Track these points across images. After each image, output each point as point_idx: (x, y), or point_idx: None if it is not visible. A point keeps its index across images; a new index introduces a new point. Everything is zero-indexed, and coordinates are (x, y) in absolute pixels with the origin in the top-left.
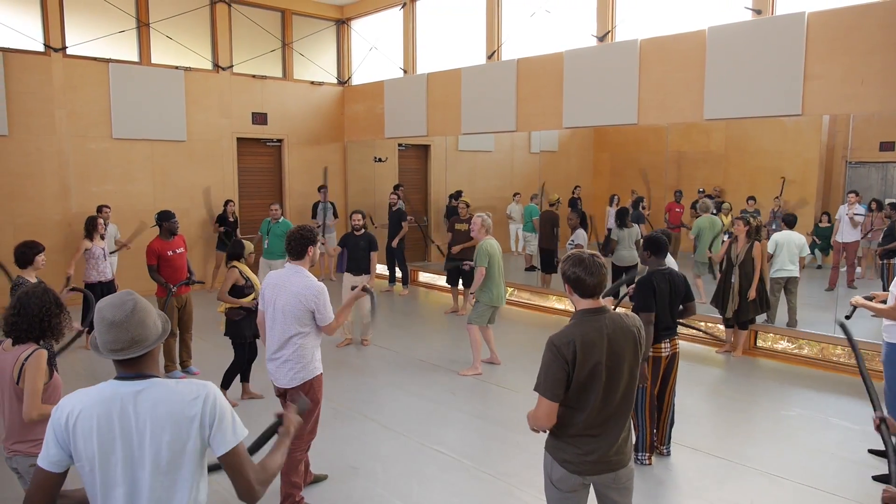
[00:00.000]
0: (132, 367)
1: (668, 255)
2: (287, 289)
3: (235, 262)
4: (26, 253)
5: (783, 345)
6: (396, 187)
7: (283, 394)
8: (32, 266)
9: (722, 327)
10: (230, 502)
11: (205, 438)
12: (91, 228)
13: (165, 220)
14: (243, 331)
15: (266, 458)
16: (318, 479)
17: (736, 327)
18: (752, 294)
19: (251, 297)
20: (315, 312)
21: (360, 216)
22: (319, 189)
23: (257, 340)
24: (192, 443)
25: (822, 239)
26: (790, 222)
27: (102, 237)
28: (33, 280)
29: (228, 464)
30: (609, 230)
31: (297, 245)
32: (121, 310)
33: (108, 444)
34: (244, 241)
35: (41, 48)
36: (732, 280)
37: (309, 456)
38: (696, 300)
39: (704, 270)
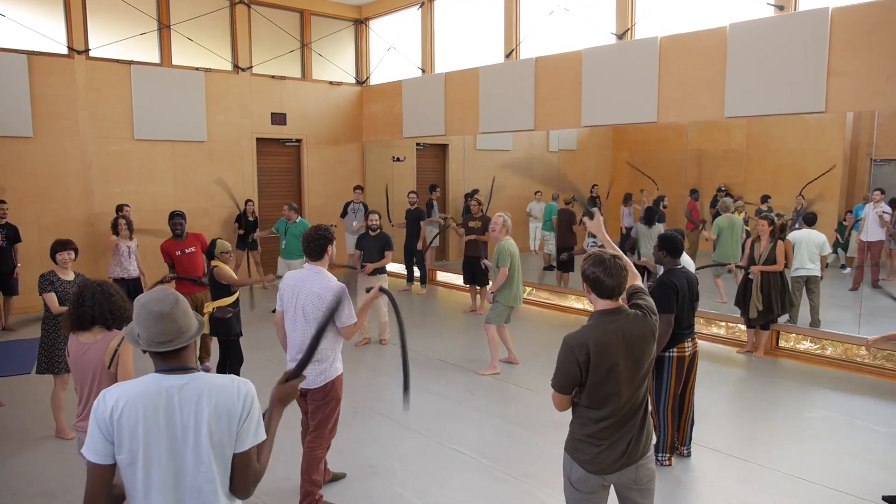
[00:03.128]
0: (176, 360)
1: (685, 255)
2: (308, 289)
3: (214, 262)
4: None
5: (806, 345)
6: (433, 188)
7: (303, 393)
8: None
9: (743, 327)
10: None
11: (233, 433)
12: (115, 227)
13: (169, 220)
14: (233, 328)
15: (260, 453)
16: (337, 478)
17: (758, 327)
18: (755, 270)
19: (235, 296)
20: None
21: (376, 216)
22: (355, 189)
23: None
24: (230, 436)
25: (845, 238)
26: (810, 220)
27: (129, 236)
28: (70, 275)
29: (238, 462)
30: (628, 229)
31: (316, 245)
32: (166, 302)
33: (153, 437)
34: (218, 240)
35: (64, 51)
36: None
37: (327, 454)
38: (717, 300)
39: (724, 271)
